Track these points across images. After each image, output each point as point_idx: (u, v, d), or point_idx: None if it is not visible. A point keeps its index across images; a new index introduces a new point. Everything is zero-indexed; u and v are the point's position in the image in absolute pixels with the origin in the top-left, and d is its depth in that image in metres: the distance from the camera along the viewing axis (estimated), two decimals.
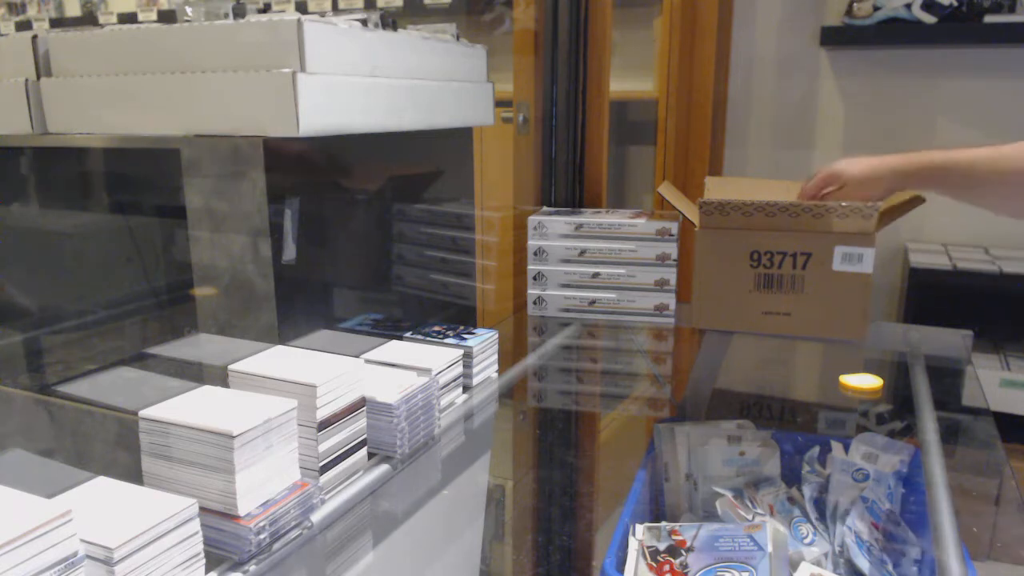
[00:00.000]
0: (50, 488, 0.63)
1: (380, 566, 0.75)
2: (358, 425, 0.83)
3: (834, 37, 1.99)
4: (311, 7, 2.69)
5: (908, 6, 1.86)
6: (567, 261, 1.45)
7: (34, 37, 0.92)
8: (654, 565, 0.65)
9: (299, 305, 0.91)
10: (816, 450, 0.80)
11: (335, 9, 2.69)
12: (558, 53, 1.69)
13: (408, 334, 1.08)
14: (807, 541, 0.72)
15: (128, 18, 3.19)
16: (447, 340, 1.07)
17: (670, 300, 1.42)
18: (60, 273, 1.09)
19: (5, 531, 0.51)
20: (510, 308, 1.59)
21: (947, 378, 1.23)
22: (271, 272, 0.86)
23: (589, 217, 1.46)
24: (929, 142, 2.01)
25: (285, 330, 0.88)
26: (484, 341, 1.09)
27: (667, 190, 1.42)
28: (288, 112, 0.79)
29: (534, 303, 1.47)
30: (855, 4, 1.93)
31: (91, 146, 0.98)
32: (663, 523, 0.70)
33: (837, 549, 0.74)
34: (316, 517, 0.76)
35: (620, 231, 1.42)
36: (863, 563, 0.71)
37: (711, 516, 0.75)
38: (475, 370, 1.08)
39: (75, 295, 1.09)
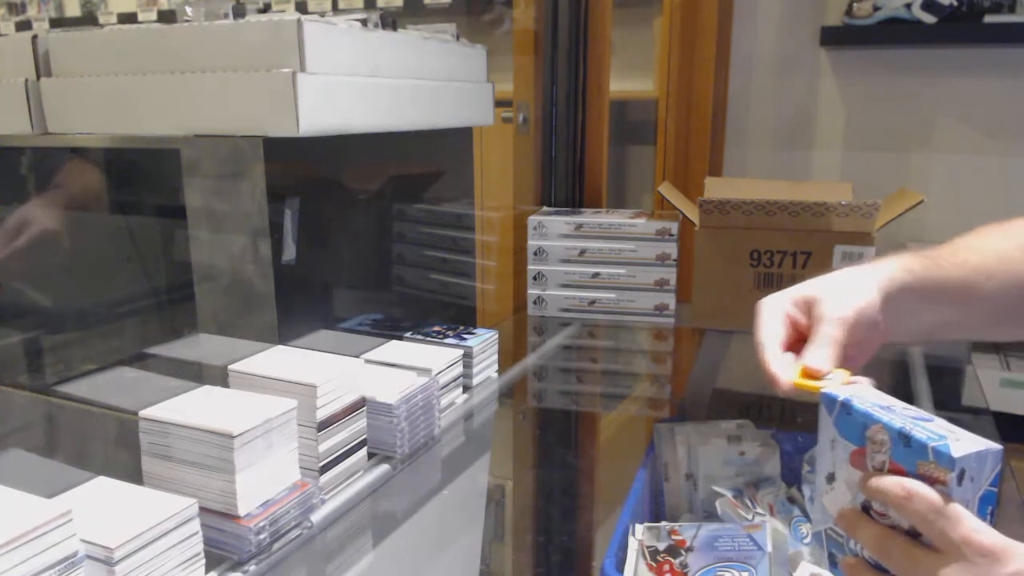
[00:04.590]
0: (50, 488, 0.63)
1: (380, 566, 0.75)
2: (358, 425, 0.83)
3: (834, 37, 1.99)
4: (311, 7, 2.69)
5: (908, 6, 1.85)
6: (567, 261, 1.45)
7: (34, 37, 0.92)
8: (654, 565, 0.65)
9: (299, 305, 0.91)
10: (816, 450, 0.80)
11: (335, 9, 2.69)
12: (558, 53, 1.69)
13: (408, 334, 1.08)
14: (807, 541, 0.72)
15: (128, 18, 3.18)
16: (447, 340, 1.07)
17: (670, 300, 1.42)
18: (60, 273, 1.09)
19: (5, 531, 0.51)
20: (510, 308, 1.59)
21: (947, 378, 1.23)
22: (271, 272, 0.86)
23: (589, 217, 1.46)
24: (929, 142, 2.01)
25: (285, 330, 0.88)
26: (484, 341, 1.09)
27: (667, 190, 1.42)
28: (288, 112, 0.79)
29: (534, 303, 1.47)
30: (855, 4, 1.93)
31: (91, 146, 0.98)
32: (663, 523, 0.70)
33: None
34: (316, 517, 0.76)
35: (620, 231, 1.42)
36: None
37: (711, 516, 0.75)
38: (475, 370, 1.08)
39: (75, 295, 1.09)
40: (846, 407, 0.57)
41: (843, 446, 0.57)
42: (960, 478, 0.49)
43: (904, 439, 0.51)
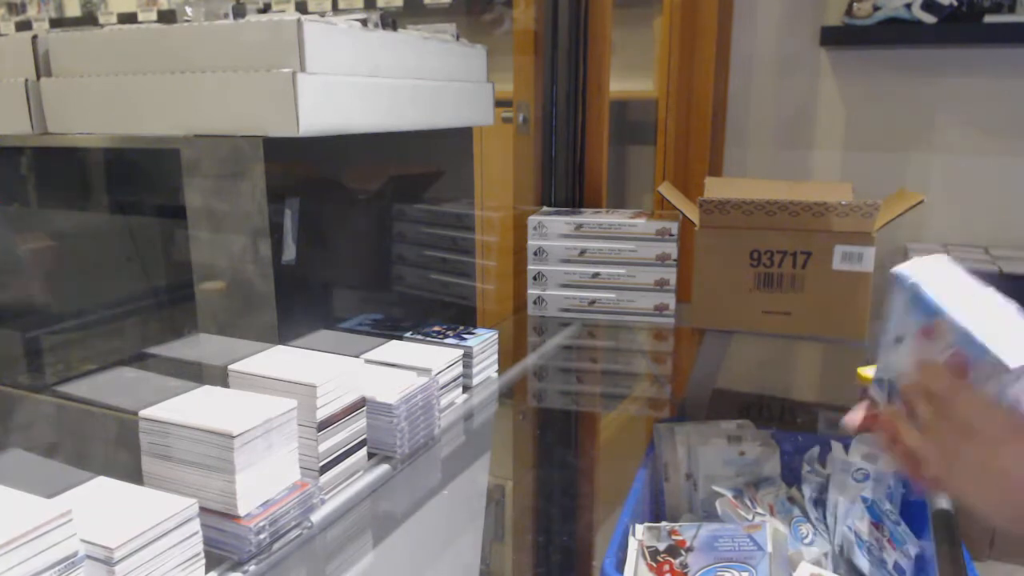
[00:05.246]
0: (50, 488, 0.63)
1: (380, 566, 0.75)
2: (358, 425, 0.83)
3: (834, 37, 1.99)
4: (311, 7, 2.69)
5: (908, 6, 1.85)
6: (567, 261, 1.45)
7: (34, 37, 0.92)
8: (654, 565, 0.65)
9: (299, 305, 0.91)
10: (816, 450, 0.81)
11: (335, 9, 2.69)
12: (558, 53, 1.69)
13: (408, 334, 1.08)
14: (807, 541, 0.72)
15: (128, 18, 3.18)
16: (447, 340, 1.07)
17: (670, 300, 1.42)
18: (60, 273, 1.09)
19: (5, 531, 0.51)
20: (510, 308, 1.59)
21: None
22: (271, 272, 0.86)
23: (589, 217, 1.46)
24: (929, 142, 2.01)
25: (285, 330, 0.88)
26: (484, 341, 1.09)
27: (667, 190, 1.42)
28: (288, 112, 0.79)
29: (534, 303, 1.47)
30: (855, 4, 1.93)
31: (91, 146, 0.98)
32: (663, 523, 0.70)
33: (837, 549, 0.74)
34: (316, 517, 0.76)
35: (620, 231, 1.42)
36: (863, 563, 0.71)
37: (711, 516, 0.75)
38: (475, 370, 1.08)
39: (75, 295, 1.09)
40: (916, 292, 0.57)
41: (914, 320, 0.57)
42: (1015, 381, 0.51)
43: (967, 338, 0.53)
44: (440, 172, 1.23)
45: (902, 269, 0.59)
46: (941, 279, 0.58)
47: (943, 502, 0.75)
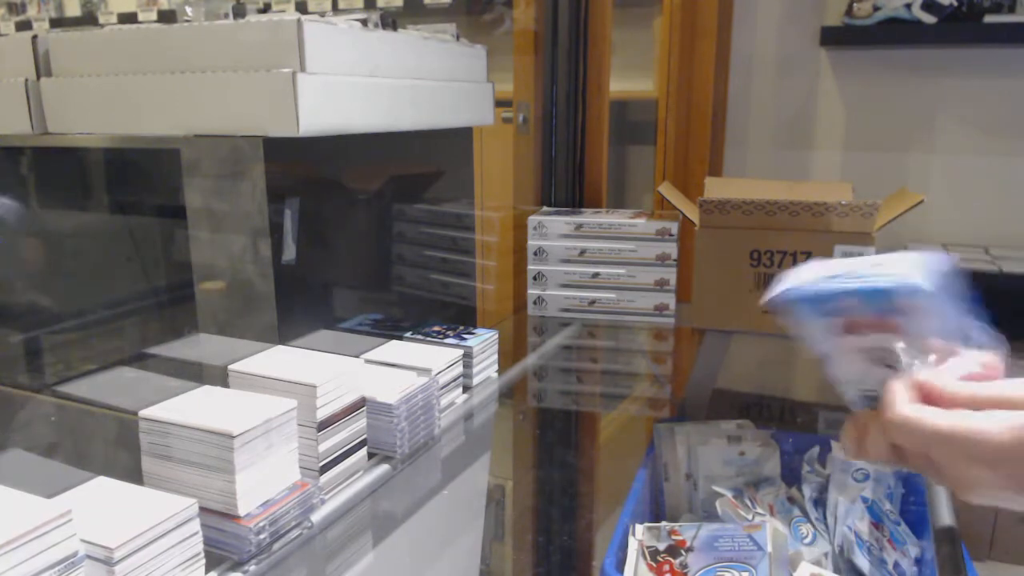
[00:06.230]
0: (50, 488, 0.63)
1: (380, 566, 0.75)
2: (358, 425, 0.83)
3: (834, 37, 1.99)
4: (311, 7, 2.69)
5: (908, 6, 1.86)
6: (567, 261, 1.45)
7: (34, 37, 0.92)
8: (654, 565, 0.65)
9: (299, 305, 0.91)
10: (816, 450, 0.81)
11: (335, 9, 2.69)
12: (558, 53, 1.69)
13: (408, 334, 1.08)
14: (807, 541, 0.72)
15: (128, 18, 3.18)
16: (447, 340, 1.07)
17: (670, 300, 1.42)
18: (60, 273, 1.09)
19: (5, 531, 0.51)
20: (510, 308, 1.59)
21: None
22: (271, 272, 0.86)
23: (589, 217, 1.46)
24: (929, 142, 2.01)
25: (285, 330, 0.88)
26: (484, 341, 1.09)
27: (667, 190, 1.42)
28: (288, 112, 0.79)
29: (534, 303, 1.47)
30: (855, 4, 1.93)
31: (91, 146, 0.98)
32: (663, 523, 0.70)
33: (837, 549, 0.74)
34: (316, 517, 0.76)
35: (620, 231, 1.42)
36: (863, 563, 0.71)
37: (711, 516, 0.75)
38: (475, 370, 1.08)
39: (75, 295, 1.09)
40: (798, 300, 0.55)
41: (819, 322, 0.56)
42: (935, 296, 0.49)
43: (866, 295, 0.52)
44: (440, 172, 1.23)
45: (772, 293, 0.57)
46: (806, 275, 0.56)
47: (943, 503, 0.75)
